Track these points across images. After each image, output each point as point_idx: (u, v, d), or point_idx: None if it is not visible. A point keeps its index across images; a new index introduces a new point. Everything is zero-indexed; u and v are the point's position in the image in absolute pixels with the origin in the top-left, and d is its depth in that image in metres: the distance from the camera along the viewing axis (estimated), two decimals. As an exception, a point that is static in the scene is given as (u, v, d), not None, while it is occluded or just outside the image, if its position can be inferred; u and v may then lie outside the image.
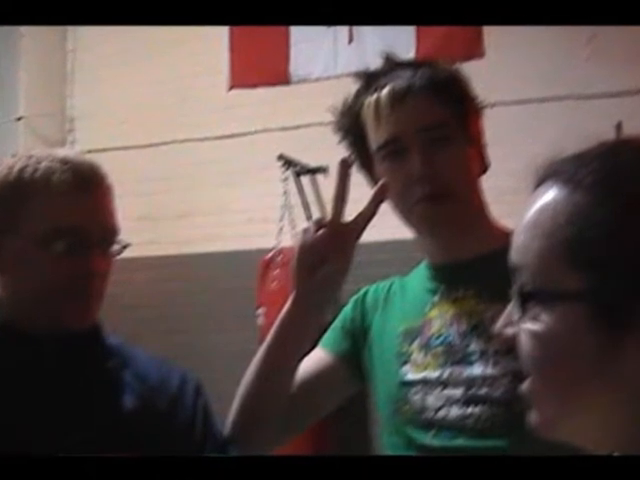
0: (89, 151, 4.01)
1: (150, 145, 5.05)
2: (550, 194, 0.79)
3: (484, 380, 1.31)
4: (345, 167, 1.36)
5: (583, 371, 0.75)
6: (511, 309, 0.81)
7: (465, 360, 1.33)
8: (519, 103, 4.24)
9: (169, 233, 4.97)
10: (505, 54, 4.33)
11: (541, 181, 0.81)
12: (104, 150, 4.47)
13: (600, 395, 0.76)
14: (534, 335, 0.77)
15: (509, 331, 0.81)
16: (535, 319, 0.77)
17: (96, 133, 5.15)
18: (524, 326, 0.79)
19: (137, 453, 1.23)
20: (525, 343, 0.79)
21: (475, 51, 4.31)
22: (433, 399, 1.34)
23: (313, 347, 1.50)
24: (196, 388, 1.41)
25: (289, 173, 4.54)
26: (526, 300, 0.78)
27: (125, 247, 1.35)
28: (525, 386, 0.80)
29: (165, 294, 4.88)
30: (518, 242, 0.81)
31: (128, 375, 1.36)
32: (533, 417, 0.80)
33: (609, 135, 0.83)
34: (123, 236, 1.35)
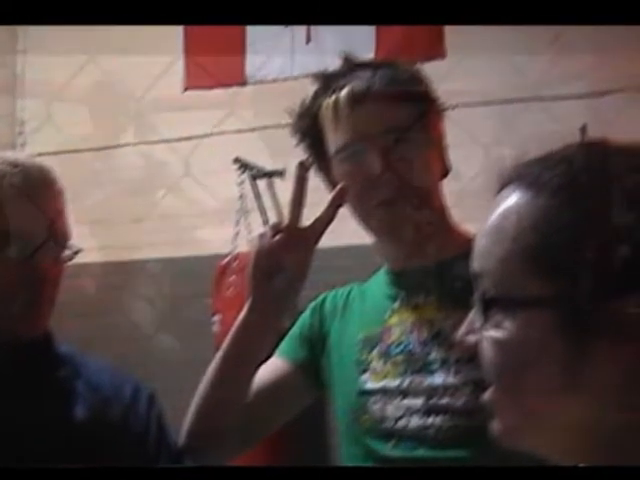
0: (40, 154, 3.93)
1: (103, 148, 4.99)
2: (513, 198, 0.78)
3: (445, 389, 1.29)
4: (303, 170, 1.33)
5: (547, 379, 0.74)
6: (473, 316, 0.80)
7: (426, 369, 1.32)
8: (481, 105, 4.24)
9: (122, 238, 4.91)
10: (467, 55, 4.32)
11: (504, 184, 0.80)
12: (55, 153, 4.39)
13: (565, 404, 0.74)
14: (497, 343, 0.76)
15: (471, 339, 0.80)
16: (498, 326, 0.76)
17: (47, 136, 5.07)
18: (486, 334, 0.77)
19: (89, 464, 1.20)
20: (487, 351, 0.77)
21: (436, 51, 4.30)
22: (393, 409, 1.32)
23: (270, 355, 1.48)
24: (149, 397, 1.39)
25: (245, 176, 4.51)
26: (488, 307, 0.77)
27: (77, 252, 1.34)
28: (487, 395, 0.79)
29: (118, 301, 4.82)
30: (480, 247, 0.80)
31: (80, 384, 1.34)
32: (495, 427, 0.79)
33: (574, 138, 0.82)
34: (74, 241, 1.34)
